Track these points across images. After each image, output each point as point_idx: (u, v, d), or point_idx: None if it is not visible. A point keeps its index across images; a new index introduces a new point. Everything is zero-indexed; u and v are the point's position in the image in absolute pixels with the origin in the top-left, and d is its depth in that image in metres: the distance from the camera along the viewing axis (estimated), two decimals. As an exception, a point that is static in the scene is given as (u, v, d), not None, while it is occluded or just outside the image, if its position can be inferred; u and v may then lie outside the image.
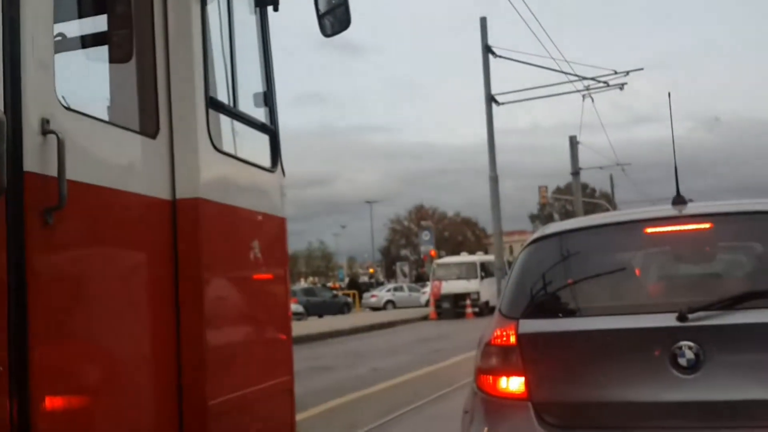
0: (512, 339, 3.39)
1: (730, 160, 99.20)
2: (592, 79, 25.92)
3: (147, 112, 2.80)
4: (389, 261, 78.48)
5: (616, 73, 25.62)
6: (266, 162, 3.55)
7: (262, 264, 3.39)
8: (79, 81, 3.21)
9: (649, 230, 3.66)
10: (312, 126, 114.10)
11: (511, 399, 3.35)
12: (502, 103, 25.63)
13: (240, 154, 3.26)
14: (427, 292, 36.83)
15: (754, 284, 3.36)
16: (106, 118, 2.80)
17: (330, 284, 58.74)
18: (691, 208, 3.61)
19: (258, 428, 3.22)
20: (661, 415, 3.09)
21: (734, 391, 3.03)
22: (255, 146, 3.48)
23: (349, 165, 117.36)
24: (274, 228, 3.58)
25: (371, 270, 74.12)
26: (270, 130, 3.58)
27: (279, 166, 3.61)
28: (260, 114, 3.54)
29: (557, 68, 25.04)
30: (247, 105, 3.44)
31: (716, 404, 3.04)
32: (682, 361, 3.06)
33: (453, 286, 29.92)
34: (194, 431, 2.72)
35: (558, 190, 61.43)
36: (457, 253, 43.55)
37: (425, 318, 29.22)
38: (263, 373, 3.34)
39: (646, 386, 3.15)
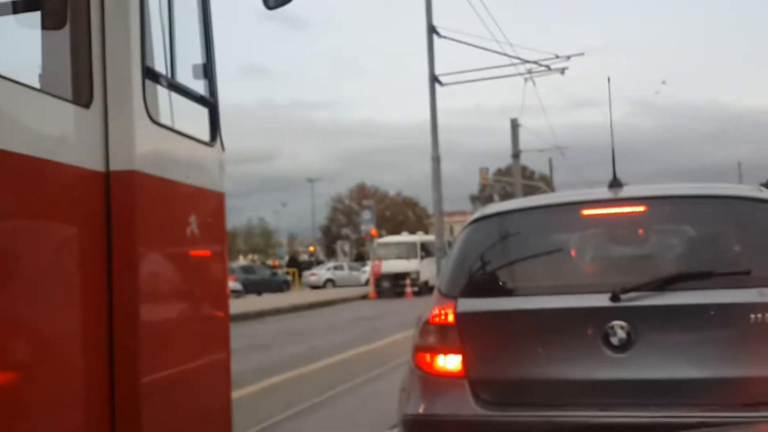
0: (450, 318, 3.43)
1: (666, 144, 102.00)
2: (534, 62, 26.27)
3: (80, 81, 2.70)
4: (330, 239, 78.35)
5: (557, 57, 25.97)
6: (205, 136, 3.48)
7: (199, 240, 3.33)
8: (9, 47, 3.09)
9: (586, 212, 3.73)
10: (253, 101, 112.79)
11: (447, 377, 3.40)
12: (446, 84, 25.73)
13: (178, 127, 3.17)
14: (367, 271, 36.96)
15: (685, 266, 3.46)
16: (38, 86, 2.69)
17: (270, 262, 58.34)
18: (626, 191, 3.68)
19: (193, 405, 3.18)
20: (594, 393, 3.17)
21: (663, 370, 3.13)
22: (193, 119, 3.40)
23: (290, 141, 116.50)
24: (212, 203, 3.51)
25: (311, 248, 73.88)
26: (209, 102, 3.50)
27: (218, 140, 3.54)
28: (199, 86, 3.46)
29: (500, 51, 25.28)
30: (186, 77, 3.36)
31: (646, 382, 3.13)
32: (614, 340, 3.14)
33: (393, 266, 30.09)
34: (127, 408, 2.67)
35: (499, 172, 62.14)
36: (398, 232, 43.79)
37: (365, 297, 29.34)
38: (199, 350, 3.29)
39: (579, 364, 3.22)
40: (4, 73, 2.24)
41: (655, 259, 3.80)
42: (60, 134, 2.55)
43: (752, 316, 3.04)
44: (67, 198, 2.56)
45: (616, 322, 3.14)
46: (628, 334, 3.13)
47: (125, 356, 2.69)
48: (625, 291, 3.17)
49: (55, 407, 2.44)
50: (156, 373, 2.81)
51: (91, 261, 2.64)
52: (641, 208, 3.67)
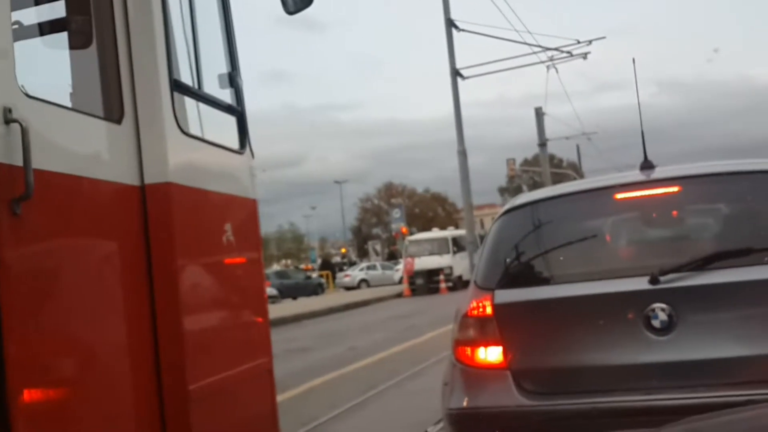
0: (488, 310, 3.42)
1: (695, 123, 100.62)
2: (556, 49, 26.05)
3: (111, 97, 2.75)
4: (361, 240, 78.53)
5: (579, 42, 25.75)
6: (234, 144, 3.52)
7: (236, 247, 3.37)
8: (39, 69, 3.15)
9: (619, 196, 3.70)
10: (276, 106, 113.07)
11: (489, 369, 3.39)
12: (467, 77, 25.63)
13: (207, 137, 3.22)
14: (400, 269, 36.95)
15: (723, 244, 3.42)
16: (70, 105, 2.74)
17: (303, 266, 58.63)
18: (658, 173, 3.65)
19: (240, 410, 3.22)
20: (638, 377, 3.15)
21: (708, 350, 3.10)
22: (222, 128, 3.44)
23: (316, 144, 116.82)
24: (245, 210, 3.55)
25: (343, 250, 74.14)
26: (236, 111, 3.54)
27: (247, 148, 3.58)
28: (226, 95, 3.50)
29: (521, 40, 25.12)
30: (213, 86, 3.40)
31: (691, 363, 3.10)
32: (656, 323, 3.11)
33: (426, 262, 30.03)
34: (176, 416, 2.71)
35: (526, 162, 61.80)
36: (428, 229, 43.75)
37: (399, 295, 29.34)
38: (242, 355, 3.33)
39: (621, 349, 3.20)
40: (35, 94, 2.29)
41: (693, 239, 3.76)
42: (94, 151, 2.60)
43: None
44: (105, 213, 2.61)
45: (657, 305, 3.12)
46: (670, 316, 3.10)
47: (171, 365, 2.73)
48: (664, 273, 3.14)
49: (107, 420, 2.49)
50: (202, 380, 2.85)
51: (132, 273, 2.69)
52: (675, 189, 3.63)
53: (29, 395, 2.14)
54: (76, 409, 2.35)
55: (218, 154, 3.34)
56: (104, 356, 2.53)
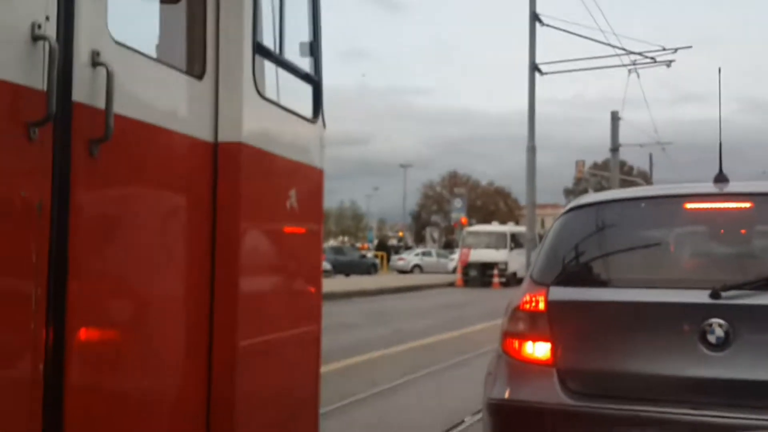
0: (541, 305, 3.40)
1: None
2: (639, 54, 25.45)
3: (194, 53, 2.81)
4: (419, 226, 78.49)
5: (664, 49, 25.08)
6: (308, 112, 3.56)
7: (298, 214, 3.42)
8: (129, 18, 3.23)
9: (689, 206, 3.62)
10: (351, 84, 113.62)
11: (535, 364, 3.37)
12: (546, 73, 25.27)
13: (283, 102, 3.26)
14: (455, 259, 36.85)
15: (792, 267, 3.31)
16: (155, 56, 2.81)
17: (359, 245, 58.99)
18: (732, 187, 3.55)
19: (285, 371, 3.28)
20: (686, 390, 3.09)
21: (761, 372, 3.02)
22: (298, 96, 3.48)
23: (385, 126, 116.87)
24: (311, 179, 3.60)
25: (401, 233, 74.23)
26: (314, 80, 3.57)
27: (320, 118, 3.61)
28: (305, 64, 3.54)
29: (605, 41, 24.62)
30: (293, 54, 3.44)
31: (742, 383, 3.03)
32: (711, 338, 3.05)
33: (482, 255, 29.88)
34: (223, 370, 2.78)
35: (595, 166, 60.70)
36: (488, 222, 43.42)
37: (451, 284, 29.29)
38: (292, 320, 3.38)
39: (672, 360, 3.15)
40: (123, 42, 2.35)
41: (759, 258, 3.65)
42: (173, 103, 2.66)
43: None
44: (177, 166, 2.67)
45: (715, 320, 3.05)
46: (726, 332, 3.04)
47: (224, 321, 2.80)
48: (726, 288, 3.07)
49: (156, 365, 2.57)
50: (252, 338, 2.91)
51: (197, 228, 2.75)
52: (747, 204, 3.53)
53: (85, 334, 2.21)
54: (128, 352, 2.42)
55: (291, 120, 3.38)
56: (160, 305, 2.60)
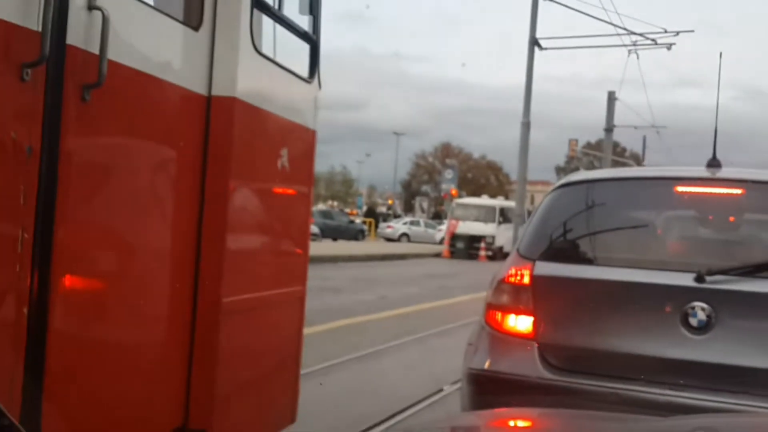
0: (526, 279, 3.41)
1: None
2: (641, 34, 25.31)
3: (192, 3, 2.76)
4: (409, 195, 78.49)
5: (666, 31, 24.97)
6: (304, 72, 3.52)
7: (289, 174, 3.40)
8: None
9: (680, 189, 3.63)
10: (349, 47, 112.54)
11: (517, 337, 3.39)
12: (546, 48, 25.11)
13: (279, 60, 3.22)
14: (443, 229, 36.93)
15: (776, 255, 3.33)
16: (152, 4, 2.76)
17: (348, 210, 58.98)
18: (724, 172, 3.56)
19: (268, 329, 3.29)
20: (665, 371, 3.12)
21: (741, 357, 3.05)
22: (295, 54, 3.44)
23: (381, 92, 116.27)
24: (304, 140, 3.57)
25: (390, 201, 74.22)
26: (312, 39, 3.53)
27: (316, 78, 3.58)
28: (303, 22, 3.49)
29: (607, 19, 24.45)
30: (292, 11, 3.39)
31: (721, 367, 3.06)
32: (693, 321, 3.07)
33: (470, 227, 29.95)
34: (206, 324, 2.78)
35: (588, 145, 60.68)
36: (478, 195, 43.46)
37: (438, 255, 29.40)
38: (278, 279, 3.39)
39: (653, 341, 3.17)
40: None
41: (746, 244, 3.67)
42: (168, 53, 2.62)
43: None
44: (169, 117, 2.64)
45: (698, 303, 3.07)
46: (709, 316, 3.06)
47: (209, 275, 2.79)
48: (711, 273, 3.09)
49: (140, 316, 2.57)
50: (236, 295, 2.91)
51: (186, 181, 2.73)
52: (739, 191, 3.54)
53: (70, 280, 2.20)
54: (112, 300, 2.42)
55: (287, 78, 3.34)
56: (146, 255, 2.59)
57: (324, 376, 6.31)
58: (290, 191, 3.52)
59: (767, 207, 3.63)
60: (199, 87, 2.74)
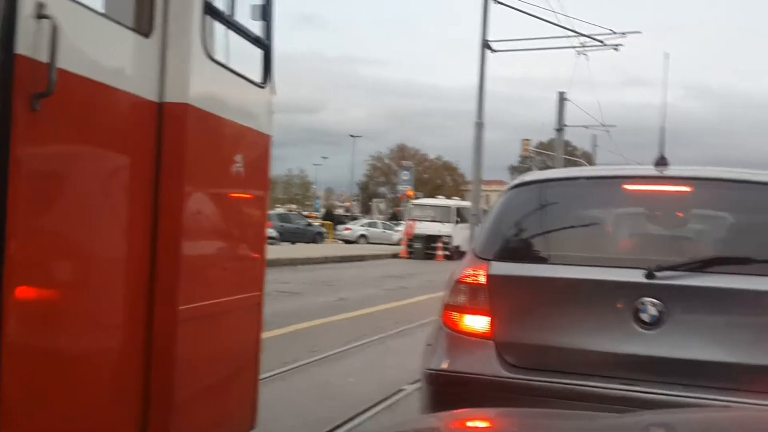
0: (482, 279, 3.45)
1: (717, 132, 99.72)
2: (589, 36, 25.76)
3: (142, 10, 2.74)
4: (366, 197, 78.55)
5: (613, 33, 25.44)
6: (258, 77, 3.51)
7: (244, 180, 3.39)
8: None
9: (628, 187, 3.71)
10: (304, 50, 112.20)
11: (475, 337, 3.43)
12: (497, 51, 25.37)
13: (232, 65, 3.21)
14: (400, 230, 37.02)
15: (724, 250, 3.43)
16: (102, 11, 2.74)
17: (306, 213, 58.71)
18: (672, 171, 3.64)
19: (226, 336, 3.27)
20: (618, 366, 3.18)
21: (690, 351, 3.13)
22: (248, 59, 3.44)
23: (336, 95, 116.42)
24: (259, 145, 3.57)
25: (348, 203, 74.16)
26: (265, 44, 3.53)
27: (270, 83, 3.57)
28: (256, 27, 3.48)
29: (555, 21, 24.81)
30: (244, 16, 3.38)
31: (672, 361, 3.13)
32: (645, 317, 3.14)
33: (427, 228, 30.08)
34: (163, 333, 2.76)
35: (541, 145, 61.43)
36: (434, 196, 43.66)
37: (396, 256, 29.44)
38: (235, 286, 3.37)
39: (606, 337, 3.24)
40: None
41: (695, 241, 3.77)
42: (119, 61, 2.60)
43: None
44: (121, 125, 2.62)
45: (648, 299, 3.14)
46: (660, 312, 3.13)
47: (165, 284, 2.77)
48: (661, 269, 3.16)
49: (95, 326, 2.54)
50: (192, 303, 2.90)
51: (139, 189, 2.71)
52: (686, 188, 3.63)
53: (23, 292, 2.17)
54: (67, 311, 2.38)
55: (240, 84, 3.34)
56: (99, 265, 2.56)
57: (283, 381, 6.29)
58: (246, 196, 3.51)
59: (713, 203, 3.73)
60: (150, 94, 2.72)
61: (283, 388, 6.06)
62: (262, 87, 3.53)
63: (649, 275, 3.16)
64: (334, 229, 44.37)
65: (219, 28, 3.22)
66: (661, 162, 3.67)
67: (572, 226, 3.74)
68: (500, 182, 67.79)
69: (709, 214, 3.91)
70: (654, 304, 3.13)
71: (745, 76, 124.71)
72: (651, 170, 3.65)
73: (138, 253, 2.71)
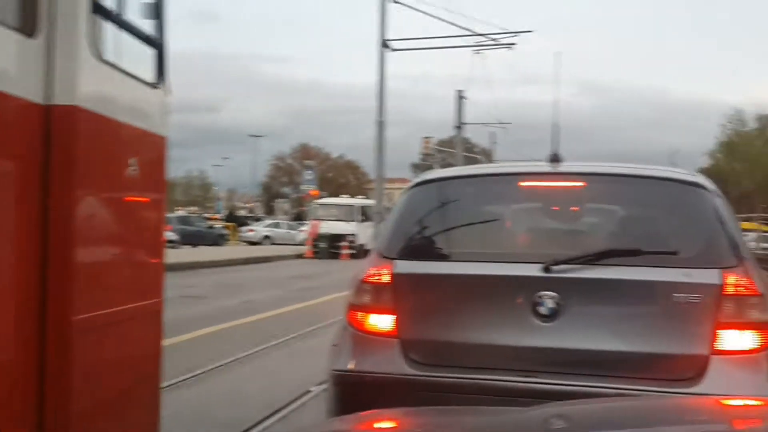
0: (386, 278, 3.47)
1: (608, 127, 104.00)
2: (483, 35, 26.36)
3: (26, 9, 2.61)
4: (269, 197, 77.81)
5: (507, 32, 26.12)
6: (151, 77, 3.41)
7: (139, 183, 3.28)
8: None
9: (523, 184, 3.80)
10: (201, 48, 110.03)
11: (379, 336, 3.45)
12: (396, 50, 25.60)
13: (123, 66, 3.10)
14: (305, 230, 36.86)
15: (616, 243, 3.57)
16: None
17: (208, 215, 57.60)
18: (565, 167, 3.75)
19: (124, 346, 3.16)
20: (519, 359, 3.26)
21: (585, 341, 3.24)
22: (140, 59, 3.33)
23: (236, 94, 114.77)
24: (154, 147, 3.46)
25: (251, 204, 73.24)
26: (157, 43, 3.42)
27: (164, 83, 3.47)
28: (148, 26, 3.38)
29: (451, 21, 25.26)
30: (135, 15, 3.27)
31: (569, 352, 3.23)
32: (542, 310, 3.23)
33: (331, 227, 30.06)
34: (58, 345, 2.64)
35: (441, 143, 62.36)
36: (338, 194, 43.71)
37: (301, 256, 29.31)
38: (132, 293, 3.26)
39: (508, 331, 3.31)
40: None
41: (589, 234, 3.91)
42: (1, 62, 2.47)
43: (675, 295, 3.16)
44: (5, 128, 2.48)
45: (546, 292, 3.23)
46: (557, 304, 3.22)
47: (58, 294, 2.65)
48: (557, 263, 3.26)
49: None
50: (88, 312, 2.79)
51: (27, 195, 2.58)
52: (579, 184, 3.75)
53: None
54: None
55: (133, 85, 3.23)
56: None
57: (189, 387, 6.16)
58: (141, 199, 3.41)
59: (605, 197, 3.88)
60: (36, 96, 2.60)
61: (189, 395, 5.93)
62: (155, 87, 3.43)
63: (546, 269, 3.25)
64: (238, 230, 43.76)
65: (109, 27, 3.10)
66: (555, 158, 3.78)
67: (472, 223, 3.81)
68: (403, 180, 68.40)
69: (601, 208, 4.06)
70: (551, 297, 3.22)
71: (632, 73, 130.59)
72: (545, 166, 3.75)
73: (27, 262, 2.58)
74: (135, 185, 3.25)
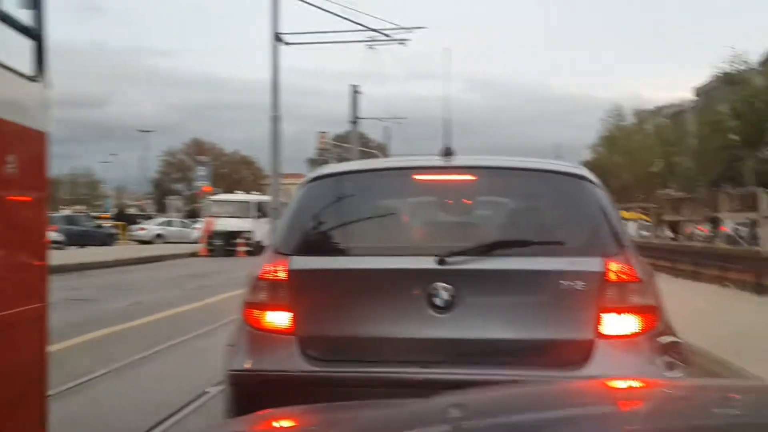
0: (282, 274, 3.43)
1: (496, 122, 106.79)
2: (376, 30, 26.50)
3: None
4: (161, 194, 75.64)
5: (399, 28, 26.37)
6: (29, 69, 3.24)
7: (18, 181, 3.12)
8: None
9: (417, 177, 3.85)
10: (85, 41, 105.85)
11: (277, 333, 3.41)
12: (290, 44, 25.38)
13: (-1, 58, 2.94)
14: (199, 228, 36.09)
15: (506, 234, 3.66)
16: None
17: (96, 214, 55.48)
18: (457, 160, 3.82)
19: (5, 354, 3.00)
20: (417, 351, 3.30)
21: (480, 330, 3.31)
22: (17, 51, 3.16)
23: (123, 88, 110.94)
24: (33, 143, 3.30)
25: (141, 202, 71.08)
26: (35, 34, 3.26)
27: (44, 76, 3.31)
28: (26, 16, 3.21)
29: (344, 15, 25.22)
30: (11, 4, 3.10)
31: (464, 342, 3.30)
32: (438, 301, 3.28)
33: (227, 224, 29.56)
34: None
35: (337, 137, 62.40)
36: (233, 191, 43.03)
37: (195, 254, 28.70)
38: (12, 298, 3.10)
39: (404, 323, 3.34)
40: None
41: (481, 226, 3.99)
42: None
43: (561, 282, 3.27)
44: None
45: (440, 284, 3.28)
46: (452, 296, 3.27)
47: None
48: (451, 255, 3.31)
49: None
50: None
51: None
52: (471, 177, 3.82)
53: None
54: None
55: (8, 78, 3.06)
56: None
57: (80, 393, 5.92)
58: (21, 199, 3.24)
59: (496, 190, 3.97)
60: None
61: (80, 401, 5.71)
62: (34, 80, 3.27)
63: (441, 261, 3.30)
64: (128, 229, 42.36)
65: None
66: (447, 152, 3.84)
67: (368, 218, 3.82)
68: (299, 175, 67.82)
69: (492, 200, 4.15)
70: (446, 289, 3.27)
71: (517, 70, 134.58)
72: (438, 160, 3.80)
73: None
74: (13, 184, 3.08)
